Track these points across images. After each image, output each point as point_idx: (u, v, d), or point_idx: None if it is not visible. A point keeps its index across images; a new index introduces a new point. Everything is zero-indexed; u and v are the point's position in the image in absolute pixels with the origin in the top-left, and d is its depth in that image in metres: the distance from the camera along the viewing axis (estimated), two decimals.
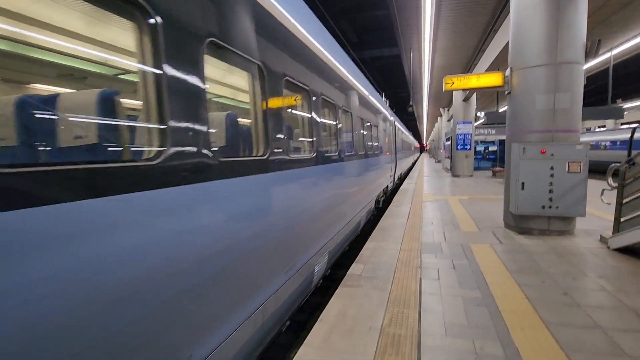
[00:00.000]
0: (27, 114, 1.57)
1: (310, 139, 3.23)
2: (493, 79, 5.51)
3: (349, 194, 4.75)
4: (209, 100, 1.90)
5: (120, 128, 1.61)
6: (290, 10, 2.85)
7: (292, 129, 3.17)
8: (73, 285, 1.02)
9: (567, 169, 4.69)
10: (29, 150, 1.58)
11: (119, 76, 3.43)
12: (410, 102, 18.28)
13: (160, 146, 1.43)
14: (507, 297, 2.96)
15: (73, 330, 1.02)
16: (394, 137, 12.54)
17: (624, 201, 4.12)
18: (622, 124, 28.32)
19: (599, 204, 5.26)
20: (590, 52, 4.67)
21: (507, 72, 5.21)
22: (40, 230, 0.95)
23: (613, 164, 4.48)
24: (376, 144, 7.97)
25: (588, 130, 27.81)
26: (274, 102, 2.38)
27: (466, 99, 15.10)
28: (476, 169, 16.82)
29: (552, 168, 4.74)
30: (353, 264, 3.93)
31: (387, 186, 10.19)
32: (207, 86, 1.72)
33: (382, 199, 9.28)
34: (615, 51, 10.99)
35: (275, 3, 2.53)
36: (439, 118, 31.65)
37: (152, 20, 1.38)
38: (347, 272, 3.68)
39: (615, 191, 4.31)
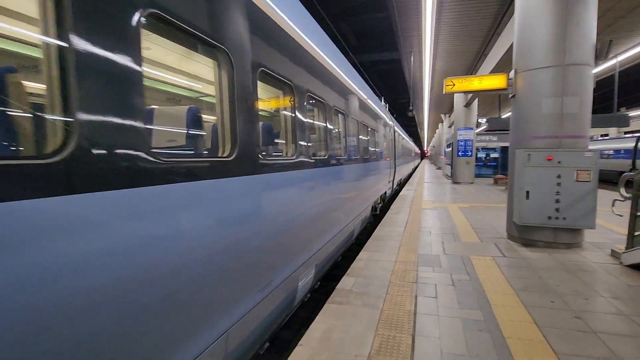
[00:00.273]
0: None
1: (294, 142, 2.90)
2: (496, 81, 5.20)
3: (341, 200, 4.43)
4: (174, 99, 1.63)
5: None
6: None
7: (272, 129, 2.87)
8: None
9: (575, 177, 4.37)
10: None
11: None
12: (411, 107, 17.97)
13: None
14: (513, 321, 2.64)
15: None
16: (393, 142, 12.22)
17: (639, 213, 3.81)
18: (625, 132, 28.00)
19: (606, 214, 4.94)
20: (601, 54, 4.38)
21: (512, 74, 4.92)
22: None
23: (625, 173, 4.18)
24: (373, 148, 7.65)
25: (590, 138, 27.49)
26: (245, 96, 2.08)
27: (467, 105, 14.85)
28: (477, 176, 16.51)
29: (559, 176, 4.43)
30: (343, 277, 3.62)
31: (385, 193, 9.86)
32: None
33: (380, 205, 8.96)
34: (621, 57, 10.73)
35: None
36: (440, 124, 31.42)
37: None
38: (336, 287, 3.36)
39: (626, 202, 4.00)
